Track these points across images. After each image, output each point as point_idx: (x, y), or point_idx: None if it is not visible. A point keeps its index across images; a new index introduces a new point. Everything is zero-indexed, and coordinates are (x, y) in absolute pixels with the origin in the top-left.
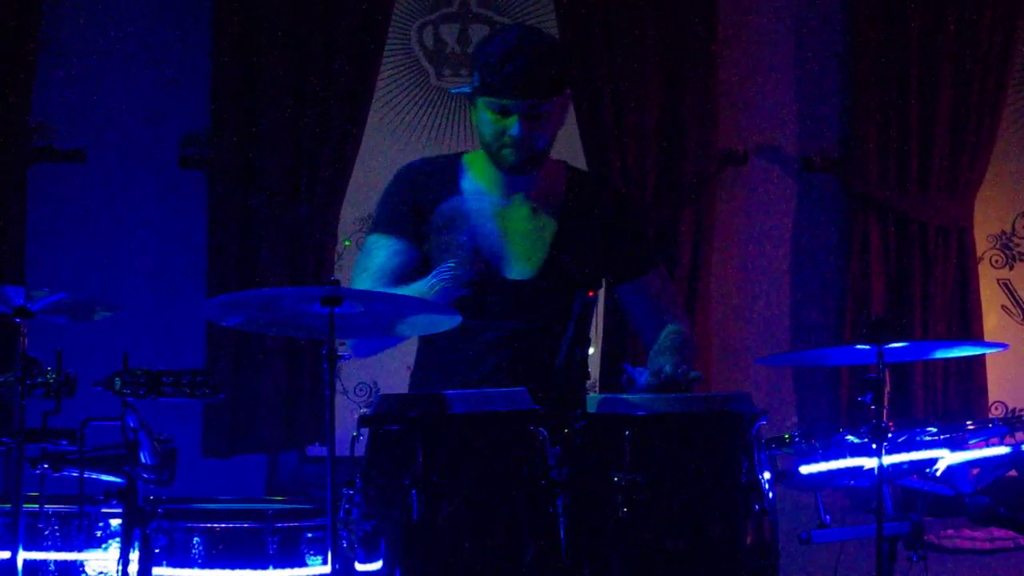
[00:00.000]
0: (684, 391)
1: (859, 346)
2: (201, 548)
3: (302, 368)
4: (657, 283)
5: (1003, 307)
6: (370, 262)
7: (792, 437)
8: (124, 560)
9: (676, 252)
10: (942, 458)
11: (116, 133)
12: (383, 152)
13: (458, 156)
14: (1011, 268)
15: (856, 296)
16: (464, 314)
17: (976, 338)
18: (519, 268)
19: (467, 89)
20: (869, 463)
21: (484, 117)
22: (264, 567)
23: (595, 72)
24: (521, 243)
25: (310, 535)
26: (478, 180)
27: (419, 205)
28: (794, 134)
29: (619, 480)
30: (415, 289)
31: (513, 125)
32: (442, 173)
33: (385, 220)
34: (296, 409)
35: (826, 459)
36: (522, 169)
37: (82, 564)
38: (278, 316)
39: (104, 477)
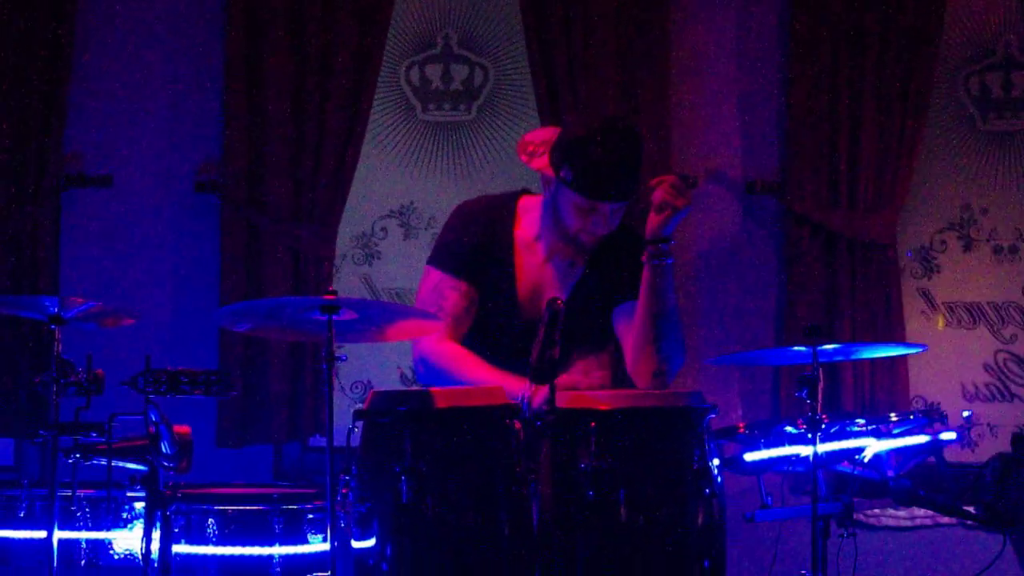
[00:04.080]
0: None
1: (796, 348)
2: (215, 528)
3: (304, 368)
4: None
5: (922, 312)
6: (442, 305)
7: (737, 428)
8: (147, 539)
9: None
10: (869, 446)
11: (139, 161)
12: (375, 178)
13: (513, 199)
14: (929, 279)
15: (793, 304)
16: (499, 352)
17: (899, 340)
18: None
19: (541, 167)
20: (805, 451)
21: (568, 207)
22: (271, 544)
23: (561, 107)
24: (559, 289)
25: (311, 516)
26: (530, 232)
27: (477, 245)
28: (738, 161)
29: (585, 467)
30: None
31: (598, 222)
32: (498, 217)
33: (449, 257)
34: (299, 405)
35: (767, 448)
36: (590, 249)
37: (110, 542)
38: (282, 323)
39: (129, 465)
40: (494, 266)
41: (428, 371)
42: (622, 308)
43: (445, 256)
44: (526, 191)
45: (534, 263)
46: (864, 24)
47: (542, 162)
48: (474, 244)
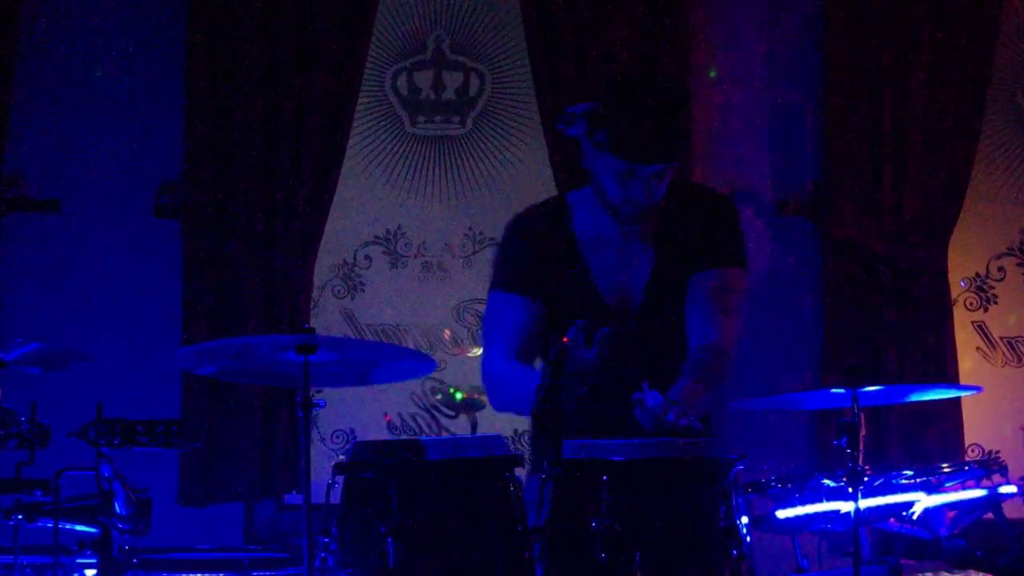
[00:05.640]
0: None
1: (834, 390)
2: None
3: (278, 416)
4: (716, 282)
5: (978, 349)
6: (500, 323)
7: (769, 482)
8: None
9: None
10: (918, 501)
11: (91, 183)
12: (358, 199)
13: (562, 198)
14: (986, 311)
15: (831, 339)
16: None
17: (952, 381)
18: (634, 301)
19: (579, 134)
20: (846, 507)
21: (608, 174)
22: None
23: None
24: (637, 276)
25: None
26: (590, 221)
27: (535, 256)
28: (768, 179)
29: (596, 526)
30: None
31: (638, 188)
32: (552, 220)
33: (505, 278)
34: (273, 457)
35: (803, 503)
36: (636, 220)
37: None
38: (253, 364)
39: (79, 527)
40: (562, 269)
41: (490, 393)
42: (692, 280)
43: (500, 276)
44: (571, 187)
45: (606, 253)
46: (912, 21)
47: (579, 129)
48: (531, 255)
